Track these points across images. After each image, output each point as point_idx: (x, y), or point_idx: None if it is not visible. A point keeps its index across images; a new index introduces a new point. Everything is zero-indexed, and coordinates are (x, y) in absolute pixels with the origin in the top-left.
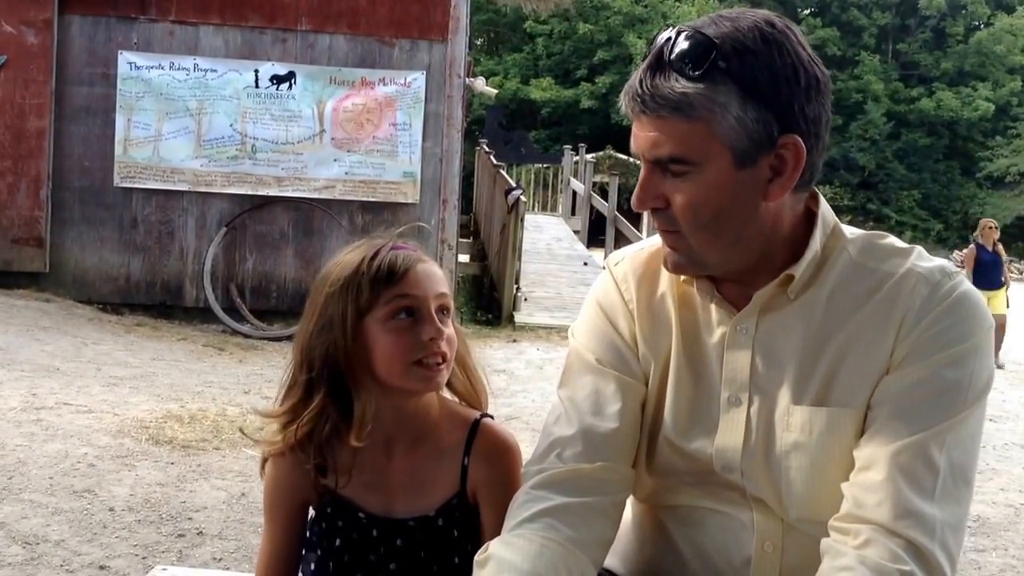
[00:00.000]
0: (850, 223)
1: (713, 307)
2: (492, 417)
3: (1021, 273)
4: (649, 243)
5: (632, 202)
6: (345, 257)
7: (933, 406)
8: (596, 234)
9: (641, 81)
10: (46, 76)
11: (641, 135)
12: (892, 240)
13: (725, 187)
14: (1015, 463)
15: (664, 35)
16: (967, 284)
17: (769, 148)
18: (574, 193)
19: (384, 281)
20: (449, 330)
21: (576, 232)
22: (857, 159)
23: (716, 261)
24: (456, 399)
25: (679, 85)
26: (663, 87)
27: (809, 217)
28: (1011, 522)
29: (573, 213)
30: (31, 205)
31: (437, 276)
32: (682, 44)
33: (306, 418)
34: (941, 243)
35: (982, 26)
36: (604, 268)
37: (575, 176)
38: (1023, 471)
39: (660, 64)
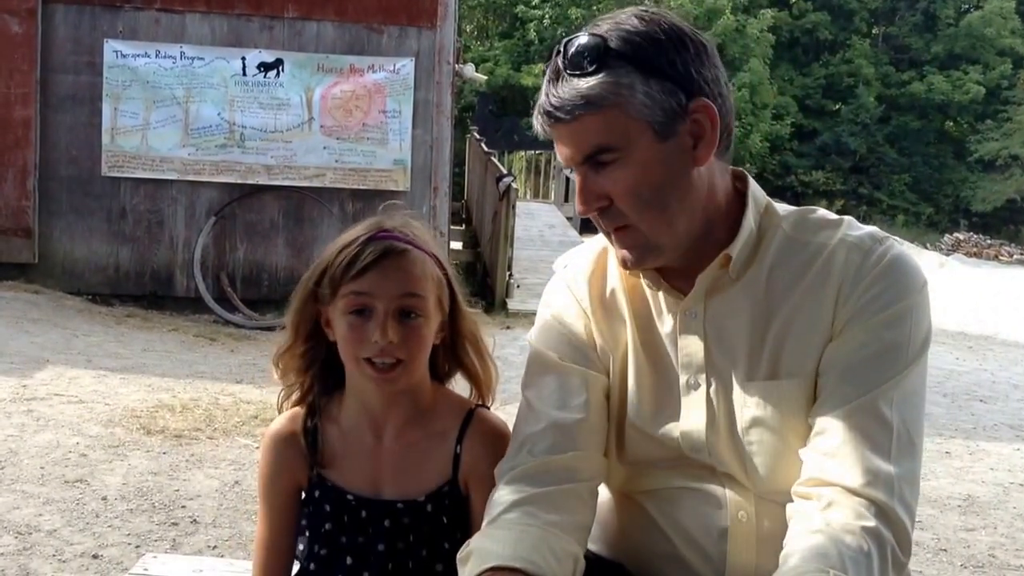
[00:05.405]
0: (843, 207)
1: (662, 296)
2: (488, 407)
3: (1011, 256)
4: (595, 243)
5: (576, 209)
6: (338, 240)
7: (877, 366)
8: (589, 221)
9: (547, 95)
10: (31, 65)
11: (564, 145)
12: (823, 213)
13: (656, 162)
14: (1004, 443)
15: (553, 56)
16: (898, 247)
17: (683, 116)
18: (567, 180)
19: (341, 276)
20: (413, 331)
21: (569, 219)
22: (849, 143)
23: (668, 242)
24: (470, 382)
25: (583, 83)
26: (568, 92)
27: (740, 197)
28: (1000, 501)
29: (566, 200)
30: (18, 195)
31: (409, 274)
32: (571, 50)
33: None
34: (932, 227)
35: (972, 9)
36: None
37: None
38: (1012, 451)
39: (558, 75)
